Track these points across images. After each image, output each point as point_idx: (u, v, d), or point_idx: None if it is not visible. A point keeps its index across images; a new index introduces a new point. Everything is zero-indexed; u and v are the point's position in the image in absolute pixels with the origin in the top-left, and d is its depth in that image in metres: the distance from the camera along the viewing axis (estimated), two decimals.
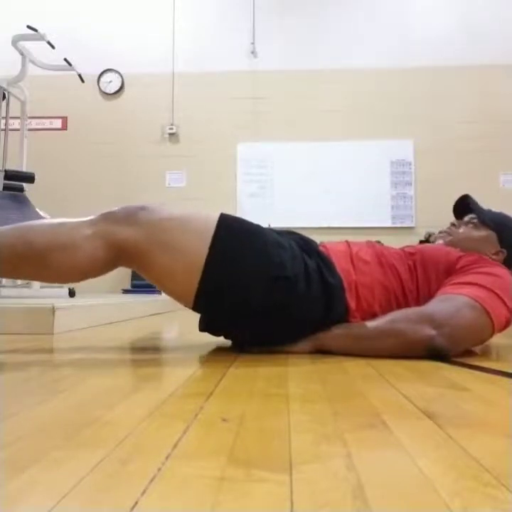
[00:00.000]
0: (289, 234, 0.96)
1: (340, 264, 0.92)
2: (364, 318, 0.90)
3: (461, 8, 3.79)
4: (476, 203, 1.07)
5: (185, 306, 0.90)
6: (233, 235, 0.84)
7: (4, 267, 0.81)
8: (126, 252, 0.81)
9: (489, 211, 1.07)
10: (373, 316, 0.90)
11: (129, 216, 0.82)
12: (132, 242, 0.80)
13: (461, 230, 1.05)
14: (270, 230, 0.91)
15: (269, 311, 0.85)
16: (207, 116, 3.84)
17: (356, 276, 0.91)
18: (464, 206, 1.09)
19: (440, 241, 1.08)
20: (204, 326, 0.95)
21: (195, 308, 0.88)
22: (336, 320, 0.89)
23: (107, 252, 0.81)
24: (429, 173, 3.70)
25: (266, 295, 0.83)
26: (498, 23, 3.71)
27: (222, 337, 1.00)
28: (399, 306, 0.91)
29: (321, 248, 0.95)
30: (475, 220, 1.05)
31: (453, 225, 1.08)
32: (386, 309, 0.91)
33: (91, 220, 0.83)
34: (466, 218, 1.07)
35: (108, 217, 0.82)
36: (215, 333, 0.98)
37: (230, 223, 0.85)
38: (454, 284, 0.89)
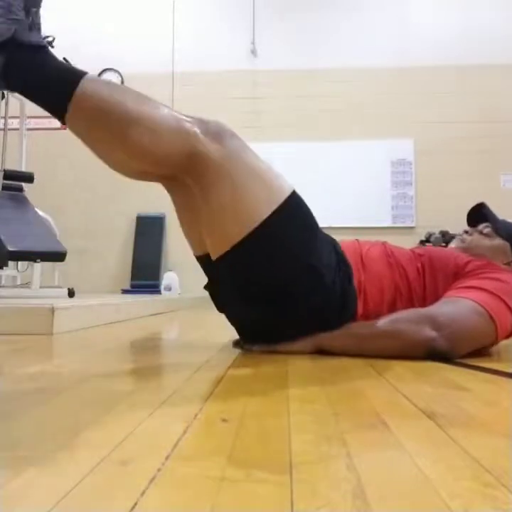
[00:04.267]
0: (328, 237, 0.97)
1: (351, 263, 0.92)
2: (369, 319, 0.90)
3: (461, 8, 3.79)
4: (491, 212, 1.06)
5: (204, 252, 0.86)
6: (299, 210, 0.85)
7: (78, 114, 0.75)
8: (200, 164, 0.78)
9: (504, 221, 1.06)
10: (377, 316, 0.90)
11: (220, 134, 0.80)
12: (211, 159, 0.78)
13: (473, 238, 1.05)
14: (321, 229, 0.93)
15: (288, 294, 0.84)
16: (206, 116, 3.83)
17: (365, 276, 0.91)
18: (478, 214, 1.09)
19: (452, 245, 1.08)
20: (217, 304, 0.92)
21: (219, 263, 0.83)
22: (341, 324, 0.89)
23: (186, 158, 0.78)
24: (429, 173, 3.70)
25: (292, 281, 0.83)
26: (500, 23, 3.71)
27: (228, 321, 0.97)
28: (404, 307, 0.91)
29: (343, 252, 0.95)
30: (488, 229, 1.04)
31: (466, 232, 1.08)
32: (392, 310, 0.90)
33: (185, 117, 0.81)
34: (480, 227, 1.06)
35: (201, 125, 0.80)
36: (225, 310, 0.94)
37: (298, 201, 0.86)
38: (460, 287, 0.88)
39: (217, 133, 0.80)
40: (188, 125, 0.79)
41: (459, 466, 0.34)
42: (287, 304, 0.85)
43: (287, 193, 0.84)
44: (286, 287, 0.83)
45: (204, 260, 0.90)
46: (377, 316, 0.89)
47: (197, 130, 0.79)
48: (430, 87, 3.76)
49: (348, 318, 0.89)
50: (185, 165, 0.79)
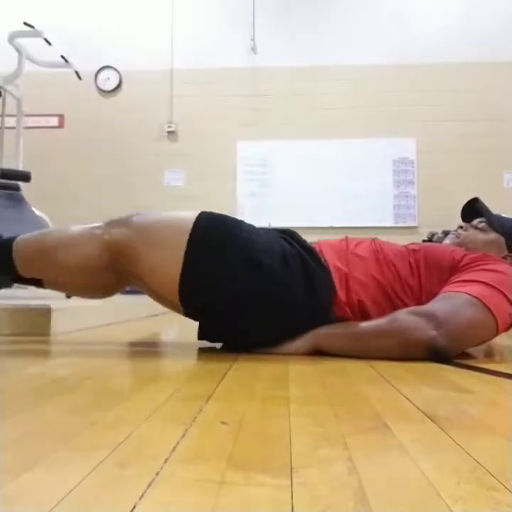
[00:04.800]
0: (275, 229, 1.00)
1: (331, 258, 0.93)
2: (354, 313, 0.90)
3: (464, 6, 3.77)
4: (485, 207, 1.06)
5: (175, 310, 0.94)
6: (210, 226, 0.91)
7: (22, 263, 0.97)
8: (118, 251, 0.91)
9: (499, 216, 1.07)
10: (364, 311, 0.90)
11: (123, 220, 0.94)
12: (123, 241, 0.90)
13: (468, 233, 1.05)
14: (248, 223, 0.98)
15: (249, 297, 0.86)
16: (206, 114, 3.82)
17: (349, 270, 0.92)
18: (472, 209, 1.08)
19: (447, 241, 1.08)
20: (201, 333, 0.96)
21: (182, 305, 0.91)
22: (323, 307, 0.89)
23: (102, 251, 0.92)
24: (432, 172, 3.68)
25: (242, 279, 0.86)
26: (502, 20, 3.70)
27: (221, 344, 1.00)
28: (397, 303, 0.91)
29: (306, 240, 0.97)
30: (483, 224, 1.05)
31: (460, 227, 1.08)
32: (382, 306, 0.90)
33: (94, 225, 0.96)
34: (475, 222, 1.06)
35: (107, 223, 0.95)
36: (211, 338, 0.98)
37: (208, 217, 0.93)
38: (457, 282, 0.88)
39: (117, 221, 0.94)
40: (95, 228, 0.95)
41: (462, 469, 0.34)
42: (255, 301, 0.86)
43: (194, 218, 0.91)
44: (242, 287, 0.86)
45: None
46: (363, 311, 0.89)
47: (101, 227, 0.94)
48: (432, 85, 3.75)
49: (327, 298, 0.89)
50: (110, 258, 0.92)
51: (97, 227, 0.94)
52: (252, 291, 0.86)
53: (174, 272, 0.87)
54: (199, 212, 0.92)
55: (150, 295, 1.00)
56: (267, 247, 0.90)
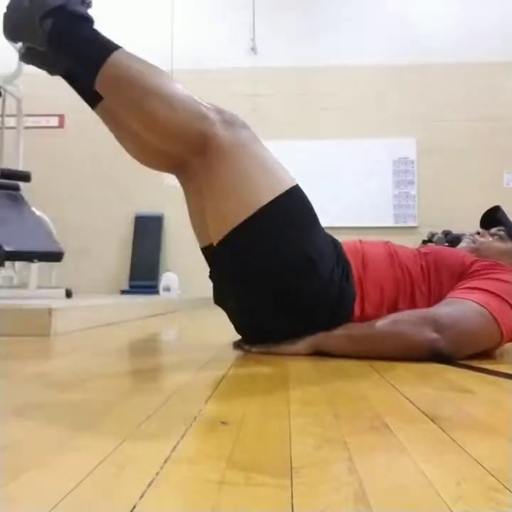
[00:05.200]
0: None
1: (352, 262, 0.92)
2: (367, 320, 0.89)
3: (463, 5, 3.77)
4: (505, 216, 1.06)
5: (209, 242, 0.89)
6: (299, 202, 0.88)
7: (107, 80, 0.84)
8: (209, 146, 0.83)
9: None
10: (376, 317, 0.89)
11: (233, 122, 0.85)
12: (220, 142, 0.82)
13: (484, 240, 1.04)
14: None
15: (284, 282, 0.84)
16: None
17: (365, 275, 0.91)
18: (492, 218, 1.08)
19: (463, 244, 1.08)
20: (216, 294, 0.94)
21: (219, 247, 0.86)
22: (341, 322, 0.88)
23: (197, 136, 0.83)
24: (432, 172, 3.67)
25: (288, 269, 0.84)
26: (502, 20, 3.69)
27: (228, 317, 0.97)
28: (406, 307, 0.90)
29: (345, 252, 0.95)
30: (502, 233, 1.04)
31: (478, 233, 1.07)
32: (394, 310, 0.90)
33: (202, 102, 0.86)
34: (493, 230, 1.06)
35: (218, 112, 0.85)
36: (224, 302, 0.95)
37: (301, 193, 0.89)
38: (464, 288, 0.88)
39: (230, 121, 0.85)
40: (204, 109, 0.84)
41: (462, 470, 0.34)
42: (282, 293, 0.85)
43: (289, 185, 0.87)
44: (281, 275, 0.84)
45: (207, 250, 0.92)
46: (376, 317, 0.89)
47: (212, 114, 0.84)
48: (433, 85, 3.74)
49: (344, 317, 0.88)
50: (195, 145, 0.83)
51: (205, 108, 0.83)
52: (291, 285, 0.84)
53: (240, 213, 0.82)
54: (295, 183, 0.88)
55: (190, 206, 0.93)
56: (327, 252, 0.88)
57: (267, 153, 0.88)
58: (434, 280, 0.93)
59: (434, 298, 0.91)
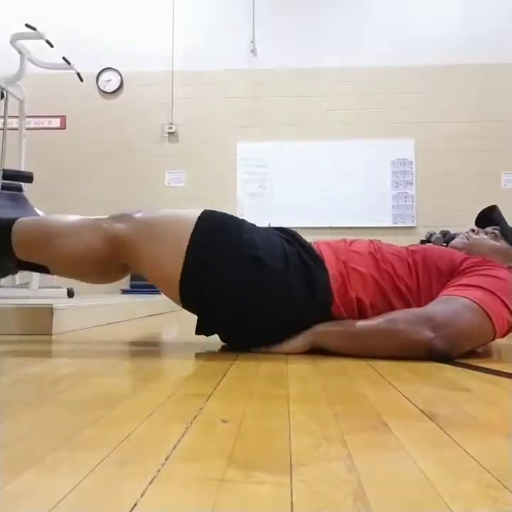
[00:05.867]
0: (274, 228, 1.01)
1: (330, 256, 0.93)
2: (352, 312, 0.90)
3: (462, 6, 3.77)
4: (501, 216, 1.06)
5: (175, 302, 0.94)
6: (212, 225, 0.92)
7: (21, 247, 0.97)
8: (121, 244, 0.92)
9: None
10: (362, 310, 0.90)
11: (127, 215, 0.95)
12: (125, 235, 0.92)
13: (478, 237, 1.04)
14: (249, 222, 0.99)
15: (249, 296, 0.87)
16: (207, 116, 3.83)
17: (347, 268, 0.92)
18: (487, 217, 1.08)
19: (458, 239, 1.08)
20: (199, 329, 0.96)
21: (182, 299, 0.91)
22: (321, 306, 0.89)
23: (104, 243, 0.92)
24: (430, 173, 3.68)
25: (242, 277, 0.87)
26: (501, 21, 3.69)
27: (219, 339, 1.00)
28: (394, 303, 0.91)
29: (306, 240, 0.98)
30: (496, 231, 1.04)
31: (472, 230, 1.07)
32: (379, 305, 0.90)
33: (98, 217, 0.97)
34: (488, 228, 1.06)
35: (111, 217, 0.96)
36: (209, 334, 0.98)
37: (210, 215, 0.94)
38: (456, 285, 0.88)
39: (121, 216, 0.95)
40: (99, 220, 0.96)
41: (460, 468, 0.34)
42: (255, 300, 0.87)
43: (197, 214, 0.93)
44: (243, 288, 0.87)
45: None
46: (361, 309, 0.89)
47: (105, 220, 0.95)
48: (431, 86, 3.75)
49: (325, 298, 0.89)
50: (110, 250, 0.93)
51: (101, 220, 0.95)
52: (253, 290, 0.86)
53: (175, 270, 0.88)
54: (201, 210, 0.94)
55: (149, 280, 1.00)
56: (268, 246, 0.90)
57: (165, 211, 0.97)
58: (423, 277, 0.93)
59: (424, 295, 0.91)
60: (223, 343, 1.01)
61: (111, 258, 0.94)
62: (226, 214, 0.97)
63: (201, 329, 0.95)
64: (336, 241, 1.01)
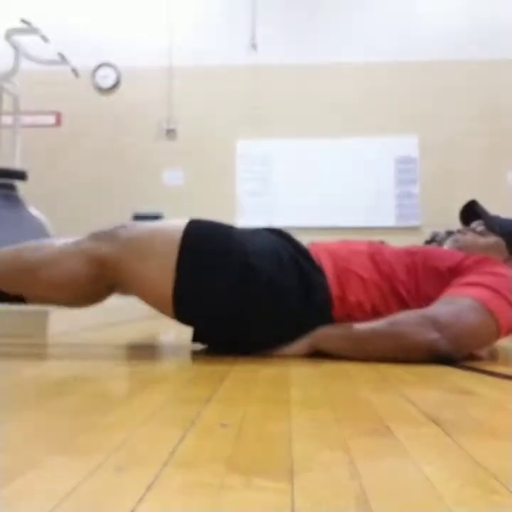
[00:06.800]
0: (268, 230, 0.99)
1: (327, 259, 0.92)
2: (353, 315, 0.89)
3: (467, 3, 3.76)
4: (483, 209, 1.05)
5: (169, 317, 0.92)
6: (200, 234, 0.90)
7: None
8: (107, 266, 0.88)
9: (497, 217, 1.05)
10: (363, 312, 0.89)
11: (109, 234, 0.90)
12: (111, 255, 0.87)
13: (467, 238, 1.04)
14: (239, 228, 0.96)
15: (243, 304, 0.85)
16: (206, 112, 3.81)
17: (346, 271, 0.91)
18: (471, 212, 1.08)
19: (449, 244, 1.07)
20: (196, 337, 0.95)
21: (177, 315, 0.90)
22: (319, 309, 0.88)
23: (89, 267, 0.88)
24: (435, 171, 3.64)
25: (234, 286, 0.85)
26: (506, 17, 3.68)
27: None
28: (394, 305, 0.90)
29: (300, 242, 0.96)
30: (482, 227, 1.04)
31: (459, 231, 1.07)
32: (380, 308, 0.89)
33: (77, 240, 0.91)
34: (474, 225, 1.05)
35: (91, 237, 0.90)
36: (206, 342, 0.97)
37: (197, 225, 0.91)
38: (459, 285, 0.87)
39: (102, 235, 0.90)
40: (77, 243, 0.90)
41: (465, 472, 0.33)
42: (250, 307, 0.85)
43: (183, 227, 0.89)
44: (235, 294, 0.85)
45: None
46: (361, 311, 0.89)
47: (84, 242, 0.90)
48: (435, 83, 3.72)
49: (323, 300, 0.88)
50: (96, 273, 0.88)
51: (80, 242, 0.90)
52: (247, 296, 0.85)
53: (167, 284, 0.85)
54: (188, 220, 0.91)
55: (141, 300, 0.98)
56: (260, 250, 0.89)
57: (149, 225, 0.93)
58: (423, 279, 0.92)
59: (424, 296, 0.91)
60: (221, 347, 1.01)
61: (97, 281, 0.90)
62: (212, 222, 0.94)
63: (198, 338, 0.95)
64: (333, 242, 1.00)
